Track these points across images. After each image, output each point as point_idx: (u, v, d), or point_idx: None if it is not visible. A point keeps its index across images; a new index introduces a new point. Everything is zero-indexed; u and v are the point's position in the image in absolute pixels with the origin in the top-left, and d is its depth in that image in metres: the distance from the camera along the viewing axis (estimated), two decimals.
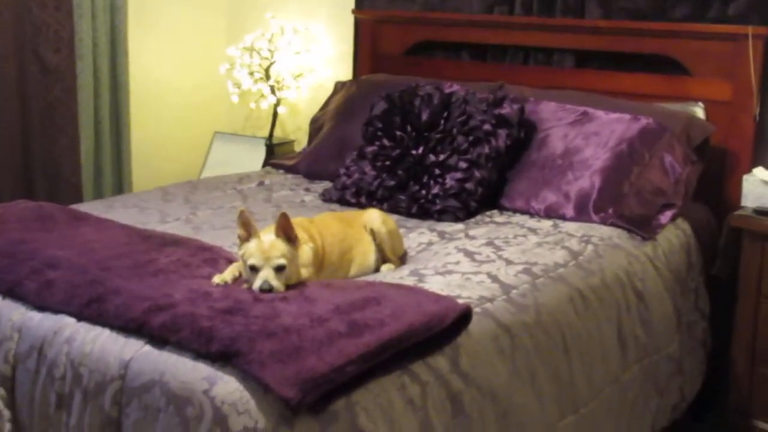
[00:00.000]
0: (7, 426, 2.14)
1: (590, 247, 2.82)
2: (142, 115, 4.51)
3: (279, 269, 2.18)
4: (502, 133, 3.23)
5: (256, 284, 2.16)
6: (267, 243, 2.19)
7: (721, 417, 3.18)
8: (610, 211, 3.04)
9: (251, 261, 2.18)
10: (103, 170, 4.27)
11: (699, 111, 3.41)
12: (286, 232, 2.22)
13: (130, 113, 4.36)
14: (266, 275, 2.16)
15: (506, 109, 3.27)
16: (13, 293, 2.27)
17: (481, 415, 2.15)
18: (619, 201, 3.07)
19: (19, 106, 3.97)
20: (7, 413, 2.15)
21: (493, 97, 3.32)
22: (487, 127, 3.22)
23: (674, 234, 3.12)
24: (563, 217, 3.09)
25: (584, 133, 3.25)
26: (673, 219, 3.13)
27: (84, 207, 3.15)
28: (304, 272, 2.33)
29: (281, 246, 2.20)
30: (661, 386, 2.94)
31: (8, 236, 2.54)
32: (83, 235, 2.62)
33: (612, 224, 3.01)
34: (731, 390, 3.12)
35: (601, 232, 2.95)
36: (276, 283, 2.16)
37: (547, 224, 3.04)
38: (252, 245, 2.20)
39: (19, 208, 2.87)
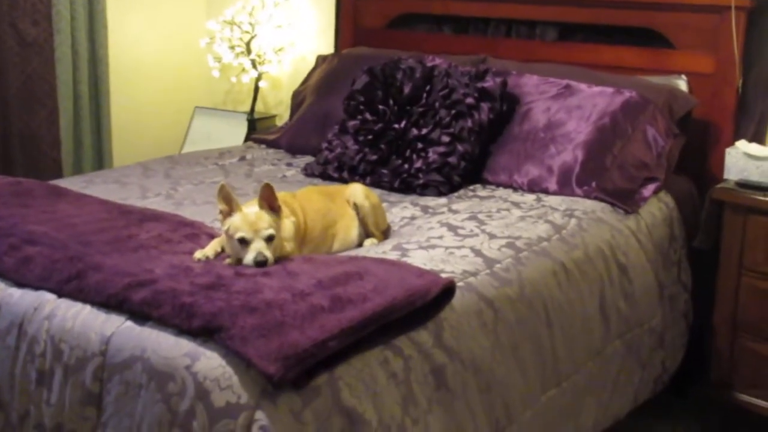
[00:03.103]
0: None
1: (573, 221, 2.82)
2: (121, 90, 4.46)
3: (269, 239, 2.18)
4: (485, 106, 3.22)
5: (250, 257, 2.15)
6: (253, 215, 2.18)
7: (703, 390, 3.20)
8: (593, 184, 3.03)
9: (240, 234, 2.16)
10: (83, 144, 4.23)
11: (682, 84, 3.41)
12: (270, 202, 2.22)
13: (110, 87, 4.32)
14: (259, 247, 2.15)
15: (489, 83, 3.26)
16: None
17: (464, 389, 2.15)
18: (602, 174, 3.06)
19: None
20: None
21: (475, 71, 3.30)
22: (469, 100, 3.20)
23: (657, 207, 3.13)
24: (546, 191, 3.09)
25: (567, 107, 3.24)
26: (655, 192, 3.14)
27: (63, 182, 3.12)
28: (287, 246, 2.32)
29: (267, 217, 2.20)
30: (644, 360, 2.95)
31: None
32: (62, 210, 2.59)
33: (595, 198, 3.00)
34: (713, 363, 3.13)
35: (584, 205, 2.95)
36: (269, 254, 2.15)
37: (530, 198, 3.04)
38: (237, 218, 2.19)
39: None
